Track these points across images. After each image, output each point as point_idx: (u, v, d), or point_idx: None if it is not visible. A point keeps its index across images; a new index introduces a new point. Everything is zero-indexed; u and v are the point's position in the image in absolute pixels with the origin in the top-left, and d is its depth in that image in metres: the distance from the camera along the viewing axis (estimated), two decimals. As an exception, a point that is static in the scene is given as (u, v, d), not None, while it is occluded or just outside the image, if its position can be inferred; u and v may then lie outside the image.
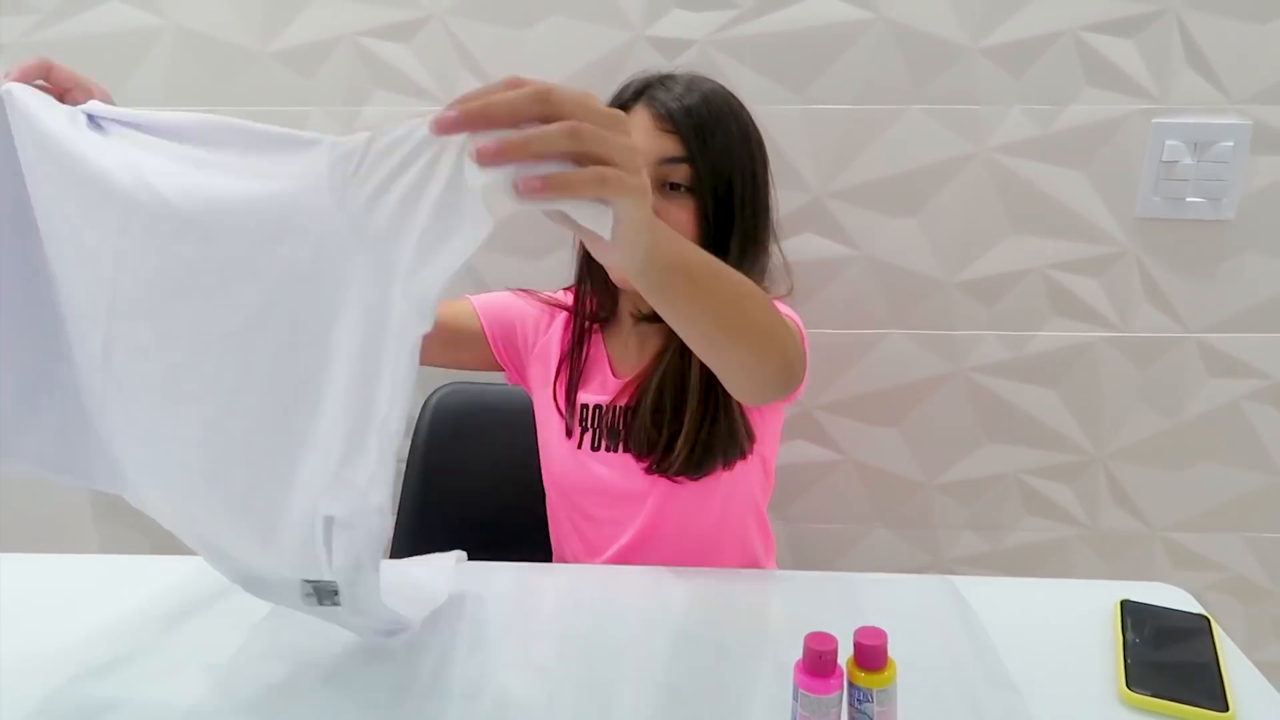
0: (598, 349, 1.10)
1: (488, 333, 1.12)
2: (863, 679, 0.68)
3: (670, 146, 0.96)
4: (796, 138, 1.32)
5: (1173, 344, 1.38)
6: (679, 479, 1.01)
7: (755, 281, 0.99)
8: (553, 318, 1.13)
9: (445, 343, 1.10)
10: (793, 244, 1.35)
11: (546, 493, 1.15)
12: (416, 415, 1.34)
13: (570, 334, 1.10)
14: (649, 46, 1.29)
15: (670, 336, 1.02)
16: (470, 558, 1.00)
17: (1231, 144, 1.28)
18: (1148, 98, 1.28)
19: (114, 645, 0.84)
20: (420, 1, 1.30)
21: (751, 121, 1.03)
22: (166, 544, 1.04)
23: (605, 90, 1.28)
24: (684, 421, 0.99)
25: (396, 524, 1.29)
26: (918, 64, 1.28)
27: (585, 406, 1.07)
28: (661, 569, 0.98)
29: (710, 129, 0.97)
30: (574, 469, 1.07)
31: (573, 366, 1.08)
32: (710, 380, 0.98)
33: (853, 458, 1.46)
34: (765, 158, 1.04)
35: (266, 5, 1.31)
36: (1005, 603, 0.91)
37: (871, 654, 0.68)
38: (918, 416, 1.43)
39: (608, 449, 1.06)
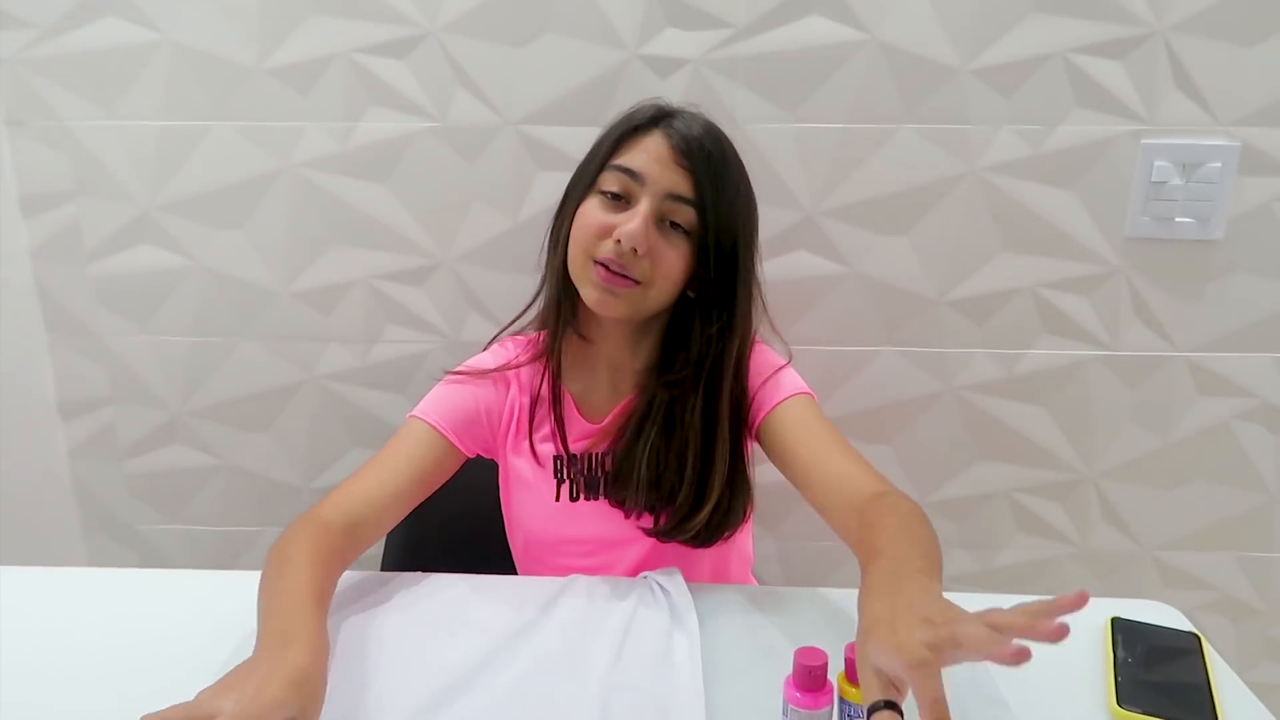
0: (565, 397, 1.06)
1: (462, 447, 1.04)
2: (854, 694, 0.68)
3: (682, 184, 0.94)
4: (788, 156, 1.32)
5: (1162, 363, 1.39)
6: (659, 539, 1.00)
7: (748, 329, 1.00)
8: (508, 385, 1.07)
9: (428, 485, 1.02)
10: (785, 261, 1.36)
11: (516, 554, 1.12)
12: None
13: (537, 388, 1.05)
14: (643, 65, 1.30)
15: (647, 388, 1.01)
16: (462, 571, 0.99)
17: (1220, 165, 1.29)
18: (1136, 119, 1.29)
19: (101, 658, 0.84)
20: (416, 19, 1.30)
21: (749, 180, 1.01)
22: (154, 559, 1.05)
23: (599, 108, 1.30)
24: (710, 492, 0.97)
25: (387, 538, 1.28)
26: (909, 84, 1.30)
27: (559, 458, 1.04)
28: (648, 583, 0.97)
29: (723, 178, 0.95)
30: (555, 522, 1.05)
31: (558, 417, 1.04)
32: (733, 451, 0.99)
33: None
34: (756, 223, 1.03)
35: (262, 21, 1.31)
36: (996, 620, 0.91)
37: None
38: (909, 434, 1.43)
39: (587, 498, 1.04)
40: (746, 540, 1.14)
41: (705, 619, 0.90)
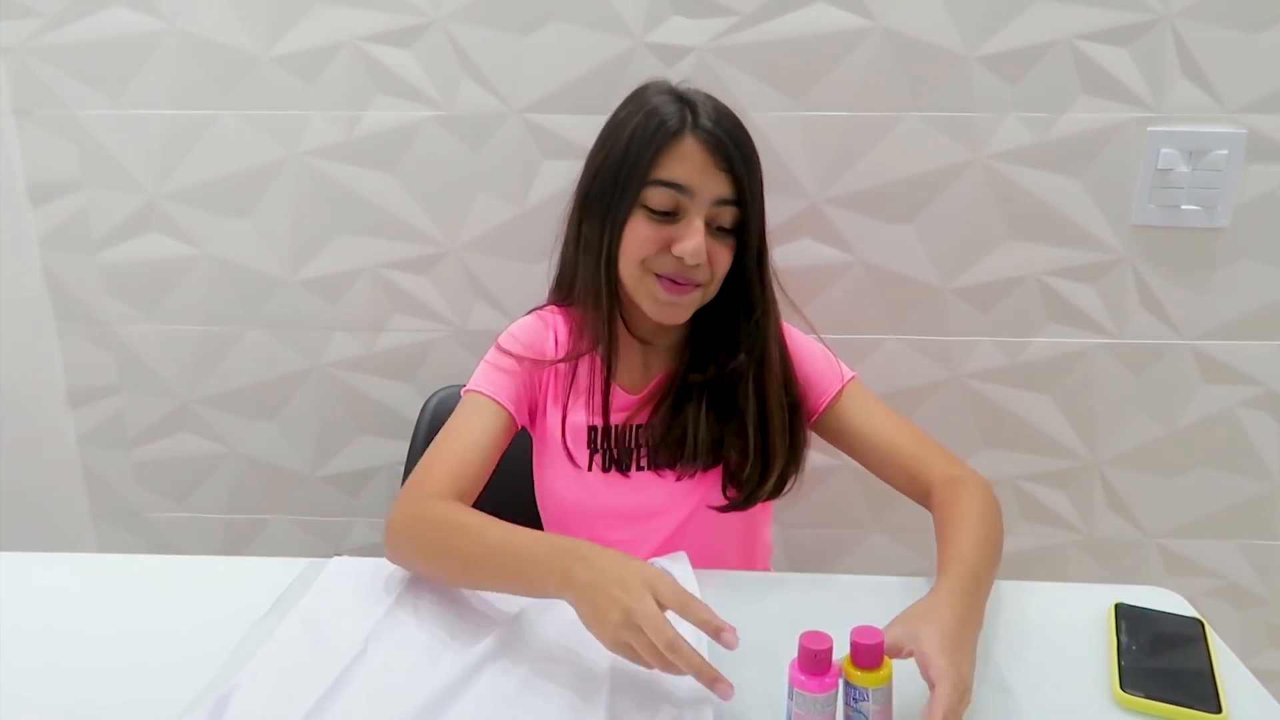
0: (600, 372, 1.06)
1: (517, 418, 1.04)
2: (859, 678, 0.69)
3: (725, 188, 0.95)
4: (794, 144, 1.33)
5: (1167, 351, 1.39)
6: (701, 487, 1.04)
7: (771, 307, 1.03)
8: (546, 342, 1.08)
9: (498, 456, 1.02)
10: (790, 250, 1.36)
11: (548, 525, 1.13)
12: (415, 418, 1.35)
13: (574, 362, 1.05)
14: (648, 53, 1.30)
15: (681, 359, 1.06)
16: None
17: (1226, 152, 1.29)
18: (1143, 106, 1.29)
19: (110, 643, 0.85)
20: (421, 7, 1.31)
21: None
22: (162, 546, 1.06)
23: (605, 96, 1.30)
24: (774, 455, 1.02)
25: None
26: (915, 72, 1.30)
27: (594, 429, 1.05)
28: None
29: (752, 166, 0.98)
30: (589, 494, 1.05)
31: (606, 391, 1.04)
32: (790, 412, 1.04)
33: (850, 463, 1.45)
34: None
35: (268, 10, 1.32)
36: (1000, 605, 0.92)
37: (868, 653, 0.68)
38: (914, 422, 1.43)
39: (620, 470, 1.05)
40: (767, 529, 1.15)
41: (710, 604, 0.91)
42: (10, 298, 1.47)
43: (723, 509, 1.03)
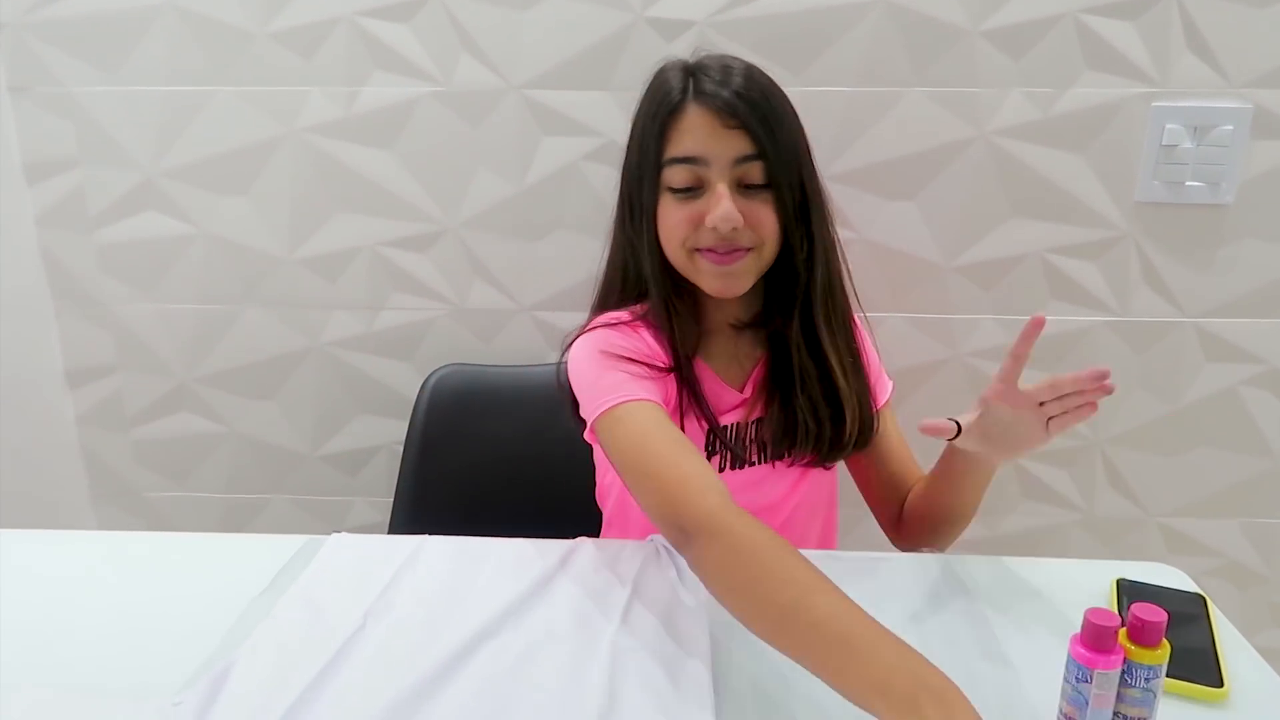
0: (703, 369, 1.03)
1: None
2: (1141, 655, 0.68)
3: (742, 144, 0.92)
4: (796, 120, 1.31)
5: (1171, 329, 1.38)
6: (820, 467, 1.05)
7: (829, 238, 1.01)
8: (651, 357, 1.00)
9: None
10: (791, 227, 1.35)
11: (619, 522, 1.10)
12: (414, 397, 1.34)
13: (679, 374, 0.99)
14: (648, 28, 1.29)
15: (765, 336, 1.04)
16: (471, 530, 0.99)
17: (1231, 128, 1.27)
18: (1148, 81, 1.28)
19: (109, 619, 0.84)
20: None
21: (787, 97, 0.99)
22: (162, 526, 1.05)
23: (605, 72, 1.29)
24: (844, 405, 1.01)
25: (395, 503, 1.29)
26: (917, 47, 1.28)
27: (712, 431, 1.01)
28: (653, 545, 0.97)
29: (772, 117, 0.93)
30: None
31: (701, 395, 0.99)
32: (844, 365, 1.02)
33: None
34: (806, 138, 1.01)
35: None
36: (1001, 581, 0.91)
37: (1150, 630, 0.68)
38: (915, 401, 1.43)
39: (733, 467, 1.03)
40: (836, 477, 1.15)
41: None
42: (7, 277, 1.46)
43: (813, 463, 1.04)
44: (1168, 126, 1.28)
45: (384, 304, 1.45)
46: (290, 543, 0.98)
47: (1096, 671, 0.68)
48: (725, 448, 1.02)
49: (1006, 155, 1.32)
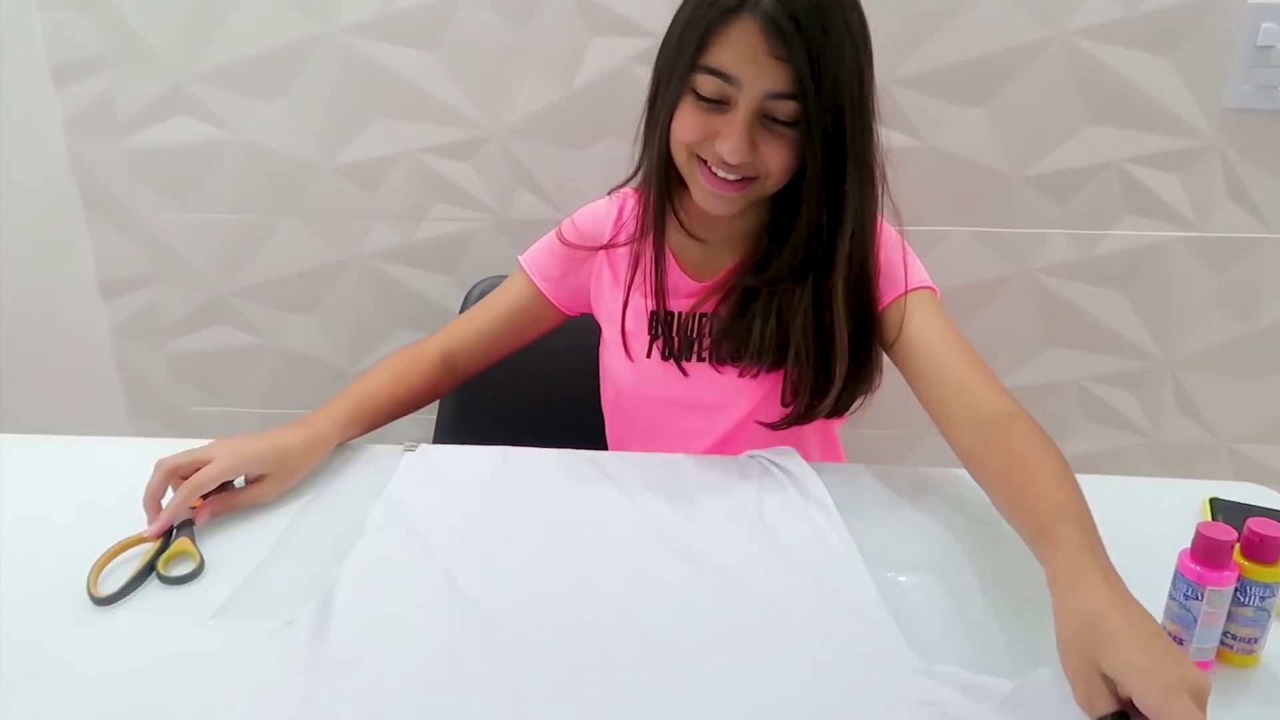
0: (666, 250, 1.00)
1: (560, 306, 1.07)
2: (1260, 572, 0.65)
3: (781, 79, 0.83)
4: (861, 18, 1.23)
5: (1254, 246, 1.31)
6: (768, 380, 0.97)
7: (865, 206, 0.90)
8: (611, 223, 1.05)
9: (523, 334, 1.09)
10: (854, 134, 1.28)
11: (607, 408, 1.10)
12: (456, 310, 1.30)
13: (638, 245, 1.00)
14: None
15: (749, 248, 0.97)
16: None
17: (1334, 27, 1.18)
18: (1244, -25, 1.19)
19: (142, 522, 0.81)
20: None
21: (861, 17, 0.87)
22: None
23: None
24: (833, 378, 0.92)
25: (437, 420, 1.25)
26: (995, -63, 1.20)
27: (656, 314, 0.99)
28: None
29: (825, 54, 0.83)
30: (646, 380, 1.01)
31: (658, 274, 0.99)
32: (858, 330, 0.92)
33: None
34: (871, 62, 0.89)
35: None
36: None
37: (1270, 546, 0.65)
38: (978, 319, 1.37)
39: (680, 359, 0.99)
40: (833, 434, 1.10)
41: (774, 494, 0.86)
42: (36, 185, 1.42)
43: (773, 425, 0.96)
44: (1263, 25, 1.19)
45: (424, 214, 1.39)
46: (369, 454, 0.95)
47: (1209, 588, 0.64)
48: (667, 333, 0.99)
49: (1086, 57, 1.23)
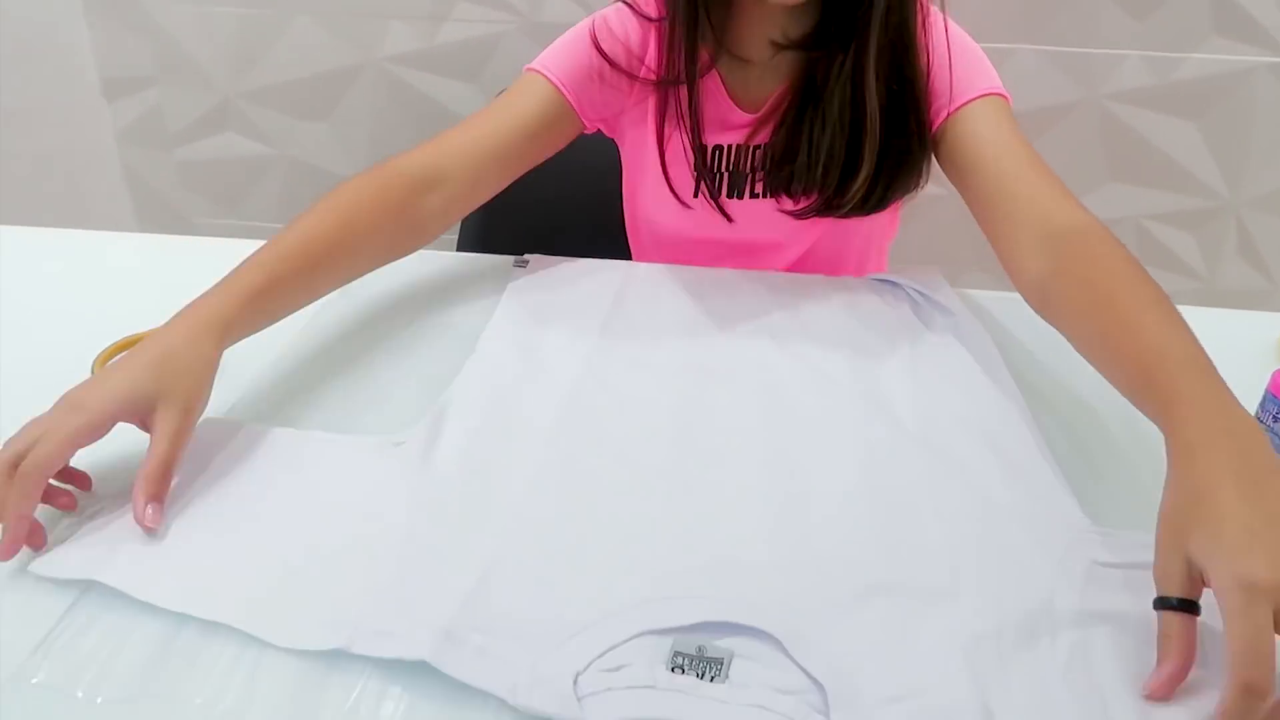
0: (713, 80, 0.88)
1: (582, 116, 0.86)
2: None
3: None
4: None
5: (1347, 75, 1.20)
6: (825, 219, 0.86)
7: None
8: (645, 48, 0.88)
9: (537, 152, 0.85)
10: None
11: (638, 248, 1.01)
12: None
13: (675, 64, 0.85)
14: None
15: (808, 62, 0.83)
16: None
17: None
18: None
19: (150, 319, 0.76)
20: None
21: None
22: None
23: None
24: (862, 158, 0.81)
25: (461, 226, 1.19)
26: None
27: (705, 148, 0.87)
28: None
29: None
30: (693, 222, 0.91)
31: (692, 103, 0.85)
32: (894, 107, 0.81)
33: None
34: None
35: None
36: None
37: None
38: (1038, 146, 1.27)
39: (730, 196, 0.89)
40: (886, 228, 1.00)
41: (837, 307, 0.81)
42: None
43: (794, 213, 0.86)
44: None
45: (447, 14, 1.29)
46: (478, 267, 0.87)
47: None
48: (716, 170, 0.88)
49: None
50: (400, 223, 0.76)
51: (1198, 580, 0.46)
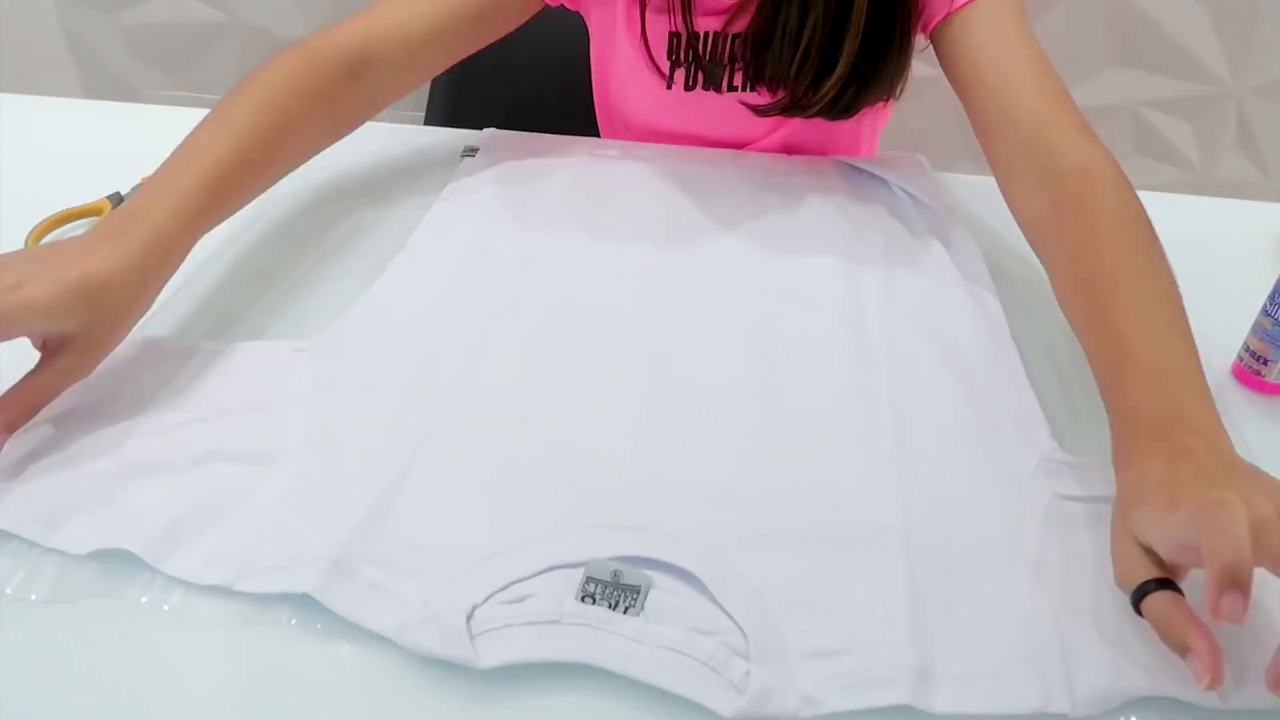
0: None
1: None
2: None
3: None
4: None
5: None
6: (792, 120, 0.81)
7: None
8: None
9: (486, 30, 0.75)
10: None
11: (605, 134, 0.93)
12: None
13: None
14: None
15: None
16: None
17: None
18: None
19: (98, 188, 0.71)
20: None
21: None
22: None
23: None
24: (840, 55, 0.74)
25: (430, 103, 1.12)
26: None
27: (676, 36, 0.80)
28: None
29: None
30: (670, 114, 0.85)
31: None
32: (881, 8, 0.73)
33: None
34: None
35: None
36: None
37: None
38: (1037, 28, 1.22)
39: (706, 88, 0.83)
40: (876, 122, 0.94)
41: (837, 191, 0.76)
42: None
43: (759, 109, 0.80)
44: None
45: None
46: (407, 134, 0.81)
47: None
48: (692, 57, 0.81)
49: None
50: (333, 113, 0.68)
51: (1162, 563, 0.42)
